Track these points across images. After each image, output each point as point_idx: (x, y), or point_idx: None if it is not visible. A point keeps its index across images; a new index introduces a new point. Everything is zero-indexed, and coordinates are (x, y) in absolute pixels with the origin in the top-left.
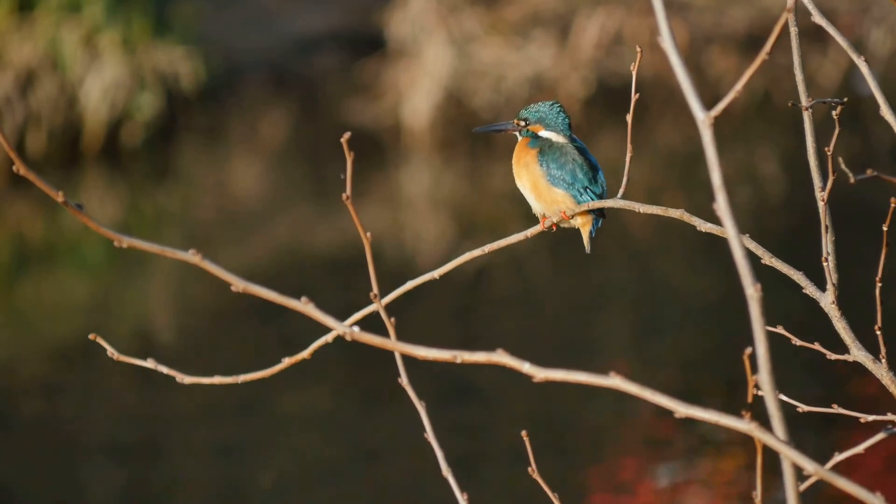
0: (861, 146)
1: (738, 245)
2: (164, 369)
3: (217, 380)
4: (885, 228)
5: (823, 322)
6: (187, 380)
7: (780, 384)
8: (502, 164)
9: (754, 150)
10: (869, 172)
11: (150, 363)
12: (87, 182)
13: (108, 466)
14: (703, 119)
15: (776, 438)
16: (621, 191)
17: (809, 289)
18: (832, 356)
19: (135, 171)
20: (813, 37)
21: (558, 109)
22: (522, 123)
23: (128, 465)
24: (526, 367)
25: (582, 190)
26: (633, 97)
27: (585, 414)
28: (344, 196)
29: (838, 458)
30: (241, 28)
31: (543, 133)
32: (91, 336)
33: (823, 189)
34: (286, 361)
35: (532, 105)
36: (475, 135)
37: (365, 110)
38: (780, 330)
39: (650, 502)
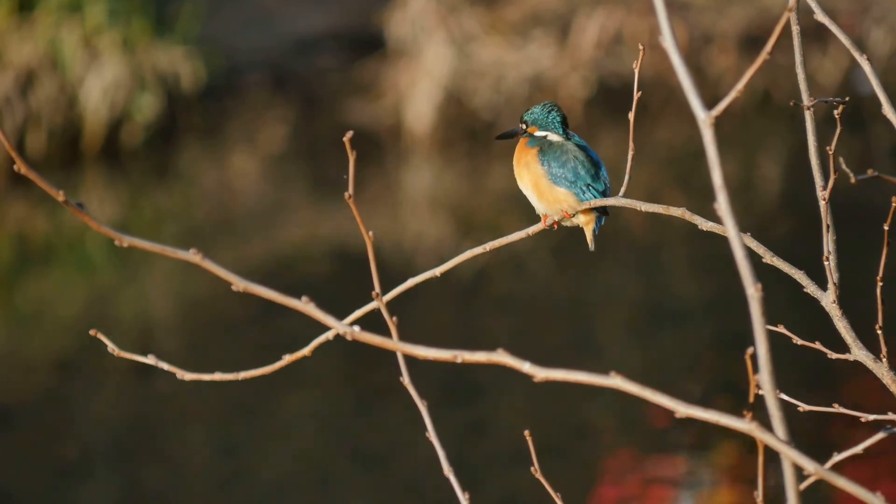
0: (862, 146)
1: (739, 245)
2: (164, 365)
3: (218, 376)
4: (886, 228)
5: (824, 321)
6: (188, 376)
7: (781, 384)
8: (502, 164)
9: (754, 149)
10: (870, 172)
11: (150, 359)
12: (87, 182)
13: (108, 466)
14: (705, 119)
15: (777, 438)
16: (623, 189)
17: (810, 288)
18: (833, 355)
19: (135, 171)
20: (813, 36)
21: (550, 108)
22: (524, 127)
23: (128, 465)
24: (526, 367)
25: (584, 188)
26: (636, 95)
27: (586, 414)
28: (346, 195)
29: (838, 457)
30: (241, 28)
31: (539, 133)
32: (92, 332)
33: (825, 188)
34: (287, 358)
35: (530, 108)
36: (478, 136)
37: (365, 110)
38: (781, 329)
39: (651, 502)
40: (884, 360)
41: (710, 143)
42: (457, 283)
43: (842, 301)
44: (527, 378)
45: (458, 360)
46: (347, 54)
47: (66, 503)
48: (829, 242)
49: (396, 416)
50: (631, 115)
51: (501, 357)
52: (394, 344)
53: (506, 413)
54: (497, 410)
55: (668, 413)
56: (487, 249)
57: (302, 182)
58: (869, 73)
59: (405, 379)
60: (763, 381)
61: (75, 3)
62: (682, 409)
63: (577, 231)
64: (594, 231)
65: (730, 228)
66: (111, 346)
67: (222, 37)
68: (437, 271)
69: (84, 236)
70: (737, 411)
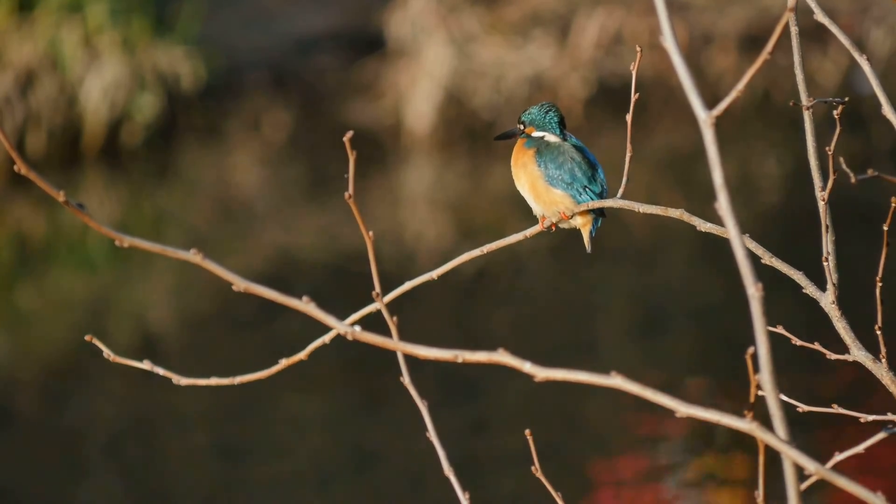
0: (861, 146)
1: (740, 245)
2: (160, 371)
3: (213, 381)
4: (885, 228)
5: (823, 322)
6: (183, 381)
7: (781, 384)
8: (502, 164)
9: (754, 149)
10: (870, 172)
11: (146, 365)
12: (87, 182)
13: (108, 466)
14: (705, 119)
15: (777, 438)
16: (621, 190)
17: (810, 289)
18: (832, 356)
19: (135, 171)
20: (812, 36)
21: (547, 109)
22: (521, 127)
23: (128, 465)
24: (527, 367)
25: (581, 189)
26: (633, 97)
27: (587, 413)
28: (346, 195)
29: (839, 457)
30: (241, 28)
31: (536, 133)
32: (88, 338)
33: (824, 189)
34: (283, 363)
35: (529, 108)
36: (478, 136)
37: (365, 110)
38: (780, 330)
39: (651, 502)
40: (883, 360)
41: (711, 143)
42: (457, 283)
43: (841, 302)
44: (527, 378)
45: (459, 360)
46: (347, 54)
47: (66, 503)
48: (828, 243)
49: (397, 416)
50: (628, 118)
51: (502, 357)
52: (394, 344)
53: (506, 413)
54: (497, 410)
55: (669, 413)
56: (485, 252)
57: (302, 182)
58: (868, 72)
59: (406, 379)
60: (764, 381)
61: (75, 3)
62: (683, 409)
63: (577, 231)
64: (591, 233)
65: (731, 228)
66: (107, 352)
67: (222, 37)
68: (434, 274)
69: (84, 236)
70: (737, 411)
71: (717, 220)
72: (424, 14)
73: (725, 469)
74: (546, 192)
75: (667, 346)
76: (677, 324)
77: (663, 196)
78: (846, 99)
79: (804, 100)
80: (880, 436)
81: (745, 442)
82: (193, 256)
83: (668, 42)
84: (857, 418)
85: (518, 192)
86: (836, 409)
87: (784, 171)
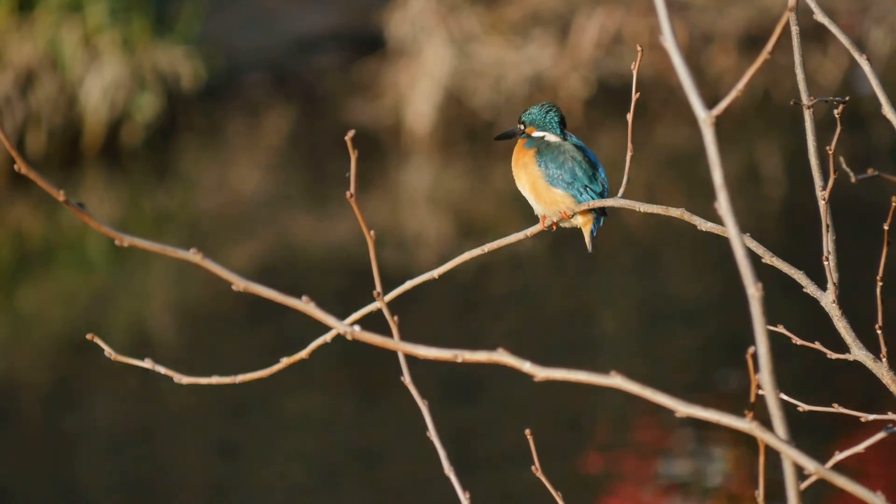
0: (861, 145)
1: (740, 245)
2: (161, 369)
3: (215, 380)
4: (886, 227)
5: (824, 321)
6: (185, 380)
7: (781, 383)
8: (502, 164)
9: (754, 149)
10: (870, 172)
11: (147, 363)
12: (87, 182)
13: (108, 466)
14: (705, 118)
15: (777, 438)
16: (621, 190)
17: (810, 288)
18: (833, 355)
19: (135, 171)
20: (812, 36)
21: (548, 109)
22: (521, 127)
23: (128, 465)
24: (527, 367)
25: (582, 189)
26: (634, 96)
27: (587, 413)
28: (348, 194)
29: (839, 457)
30: (241, 28)
31: (536, 133)
32: (89, 336)
33: (824, 188)
34: (284, 361)
35: (529, 108)
36: (478, 136)
37: (365, 110)
38: (780, 329)
39: (652, 501)
40: (883, 359)
41: (711, 143)
42: (457, 283)
43: (841, 301)
44: (527, 378)
45: (459, 360)
46: (347, 54)
47: (65, 502)
48: (828, 242)
49: (397, 415)
50: (629, 116)
51: (502, 357)
52: (395, 343)
53: (506, 413)
54: (497, 410)
55: (669, 413)
56: (486, 251)
57: (302, 182)
58: (868, 72)
59: (406, 378)
60: (764, 381)
61: (75, 3)
62: (683, 409)
63: (577, 231)
64: (592, 232)
65: (730, 228)
66: (108, 351)
67: (222, 37)
68: (436, 273)
69: (84, 236)
70: (737, 411)
71: (718, 220)
72: (424, 14)
73: (726, 469)
74: (547, 191)
75: (667, 346)
76: (677, 323)
77: (664, 196)
78: (847, 98)
79: (805, 99)
80: (881, 435)
81: (745, 442)
82: (193, 256)
83: (668, 42)
84: (857, 417)
85: (518, 192)
86: (837, 409)
87: (784, 171)
